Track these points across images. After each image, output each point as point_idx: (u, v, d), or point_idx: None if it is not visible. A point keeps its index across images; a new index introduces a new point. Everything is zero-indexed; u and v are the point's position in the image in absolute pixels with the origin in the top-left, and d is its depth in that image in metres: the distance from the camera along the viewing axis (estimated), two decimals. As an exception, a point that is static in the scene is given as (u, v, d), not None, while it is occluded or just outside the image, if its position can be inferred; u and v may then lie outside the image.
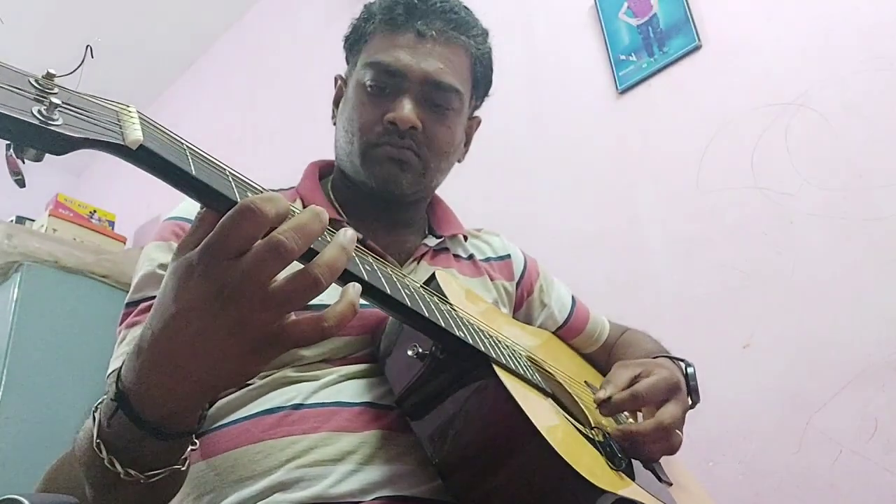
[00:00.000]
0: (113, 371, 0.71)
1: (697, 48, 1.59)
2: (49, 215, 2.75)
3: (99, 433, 0.49)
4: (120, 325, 0.76)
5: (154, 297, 0.72)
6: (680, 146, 1.56)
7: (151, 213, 3.08)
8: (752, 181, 1.43)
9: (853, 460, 1.16)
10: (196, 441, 0.53)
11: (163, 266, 0.75)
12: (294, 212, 0.46)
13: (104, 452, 0.49)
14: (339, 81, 0.98)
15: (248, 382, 0.74)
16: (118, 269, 2.50)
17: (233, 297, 0.42)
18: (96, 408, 0.51)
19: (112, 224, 3.01)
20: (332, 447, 0.67)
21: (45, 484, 0.88)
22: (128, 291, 0.79)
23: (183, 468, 0.53)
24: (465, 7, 0.93)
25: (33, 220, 2.82)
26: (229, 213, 0.43)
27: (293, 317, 0.45)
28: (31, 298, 2.31)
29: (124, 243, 2.97)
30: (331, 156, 1.00)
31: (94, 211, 2.96)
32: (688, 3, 1.62)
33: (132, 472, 0.49)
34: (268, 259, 0.42)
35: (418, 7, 0.88)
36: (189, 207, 0.82)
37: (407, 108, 0.84)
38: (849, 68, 1.35)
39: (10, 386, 2.16)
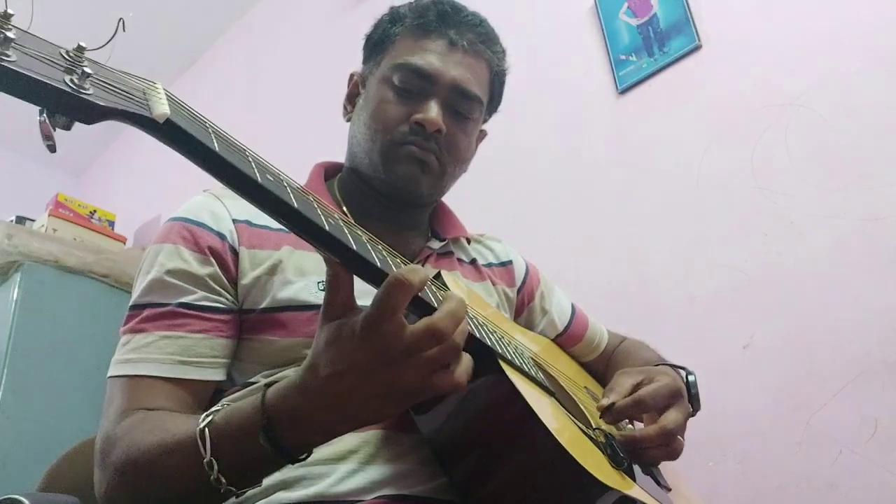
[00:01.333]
0: (124, 376, 0.70)
1: (697, 48, 1.59)
2: (49, 215, 2.75)
3: (213, 451, 0.54)
4: (124, 326, 0.75)
5: (160, 304, 0.72)
6: (680, 146, 1.56)
7: (151, 213, 3.08)
8: (752, 181, 1.43)
9: (853, 460, 1.16)
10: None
11: (170, 272, 0.74)
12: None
13: (215, 469, 0.54)
14: (356, 78, 0.98)
15: (250, 381, 0.75)
16: (118, 269, 2.50)
17: (393, 362, 0.51)
18: (206, 426, 0.55)
19: (112, 224, 3.01)
20: (334, 446, 0.67)
21: (46, 483, 0.89)
22: (127, 291, 0.79)
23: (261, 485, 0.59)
24: (489, 23, 0.95)
25: (33, 220, 2.82)
26: (383, 286, 0.50)
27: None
28: (31, 298, 2.31)
29: (124, 243, 2.97)
30: (331, 156, 1.00)
31: (94, 211, 2.96)
32: (688, 3, 1.62)
33: (233, 488, 0.54)
34: (429, 340, 0.51)
35: (451, 16, 0.90)
36: (196, 208, 0.81)
37: (435, 111, 0.85)
38: (849, 68, 1.36)
39: (10, 386, 2.16)
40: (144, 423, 0.64)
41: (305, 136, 2.46)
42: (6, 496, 0.62)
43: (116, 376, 0.71)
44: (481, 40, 0.91)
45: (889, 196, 1.25)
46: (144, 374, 0.69)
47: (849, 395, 1.20)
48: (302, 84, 2.64)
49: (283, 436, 0.53)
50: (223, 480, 0.54)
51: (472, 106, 0.90)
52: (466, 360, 0.55)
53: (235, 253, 0.77)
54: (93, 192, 3.50)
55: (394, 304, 0.50)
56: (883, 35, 1.33)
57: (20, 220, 2.80)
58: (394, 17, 0.93)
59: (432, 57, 0.87)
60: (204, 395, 0.73)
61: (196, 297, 0.73)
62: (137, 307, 0.75)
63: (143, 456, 0.60)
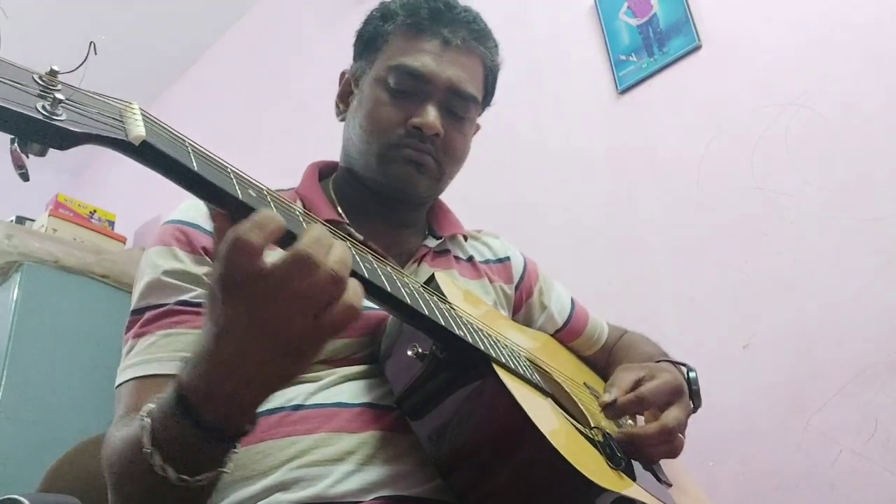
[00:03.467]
0: (130, 380, 0.70)
1: (697, 48, 1.59)
2: (49, 215, 2.75)
3: (153, 440, 0.51)
4: (126, 333, 0.75)
5: (159, 306, 0.73)
6: (680, 146, 1.56)
7: (151, 213, 3.07)
8: (752, 181, 1.43)
9: (853, 460, 1.16)
10: (237, 445, 0.55)
11: (167, 273, 0.74)
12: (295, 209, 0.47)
13: (158, 459, 0.50)
14: (347, 77, 0.97)
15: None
16: (118, 269, 2.50)
17: (267, 309, 0.46)
18: (147, 416, 0.52)
19: (112, 224, 3.01)
20: (332, 447, 0.67)
21: (46, 484, 0.89)
22: (127, 291, 0.79)
23: (228, 471, 0.55)
24: (482, 18, 0.94)
25: (33, 220, 2.82)
26: (223, 246, 0.45)
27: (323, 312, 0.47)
28: (31, 298, 2.31)
29: (124, 243, 2.96)
30: (330, 155, 0.99)
31: (94, 211, 2.96)
32: (688, 3, 1.62)
33: (185, 477, 0.51)
34: (297, 270, 0.45)
35: (444, 14, 0.88)
36: (189, 210, 0.81)
37: (432, 115, 0.85)
38: (849, 68, 1.35)
39: (10, 386, 2.16)
40: (124, 419, 0.63)
41: (305, 135, 2.46)
42: (6, 496, 0.62)
43: (122, 383, 0.71)
44: (475, 37, 0.90)
45: (889, 196, 1.25)
46: (149, 373, 0.69)
47: (849, 395, 1.20)
48: (301, 84, 2.63)
49: (200, 413, 0.49)
50: (169, 472, 0.50)
51: (467, 106, 0.89)
52: (354, 286, 0.48)
53: None
54: (93, 192, 3.49)
55: (236, 267, 0.45)
56: (883, 35, 1.33)
57: (20, 220, 2.80)
58: (385, 14, 0.91)
59: (427, 58, 0.86)
60: None
61: (194, 294, 0.73)
62: (137, 311, 0.75)
63: (112, 454, 0.59)
